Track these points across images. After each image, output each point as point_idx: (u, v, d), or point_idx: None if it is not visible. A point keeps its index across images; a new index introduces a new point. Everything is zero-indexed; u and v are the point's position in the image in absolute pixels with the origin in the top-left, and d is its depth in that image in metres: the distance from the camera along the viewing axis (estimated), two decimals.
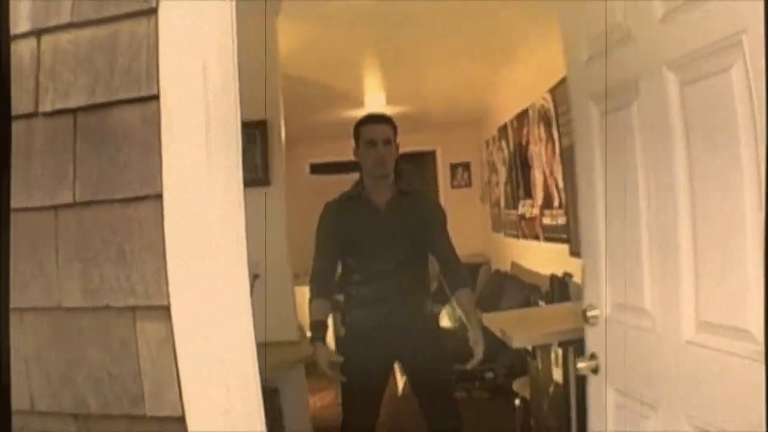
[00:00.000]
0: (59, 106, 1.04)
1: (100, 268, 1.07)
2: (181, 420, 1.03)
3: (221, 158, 1.08)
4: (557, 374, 2.75)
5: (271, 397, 3.18)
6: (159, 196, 1.07)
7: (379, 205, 2.72)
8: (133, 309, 1.07)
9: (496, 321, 2.98)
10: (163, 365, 1.05)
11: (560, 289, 4.23)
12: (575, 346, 2.62)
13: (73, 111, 1.05)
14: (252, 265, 3.34)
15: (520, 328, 2.87)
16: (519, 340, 2.67)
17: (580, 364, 1.71)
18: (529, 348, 3.16)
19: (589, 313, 1.69)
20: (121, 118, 1.03)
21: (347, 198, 2.76)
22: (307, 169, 8.59)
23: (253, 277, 3.39)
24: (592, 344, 1.72)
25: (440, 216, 2.81)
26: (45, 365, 1.06)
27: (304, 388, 3.47)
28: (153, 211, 1.08)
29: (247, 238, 3.45)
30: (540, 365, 3.04)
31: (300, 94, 5.57)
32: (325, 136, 7.30)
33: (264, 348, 3.26)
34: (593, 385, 1.73)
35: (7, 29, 1.03)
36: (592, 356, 1.69)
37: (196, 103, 1.04)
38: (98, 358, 1.05)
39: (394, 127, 2.74)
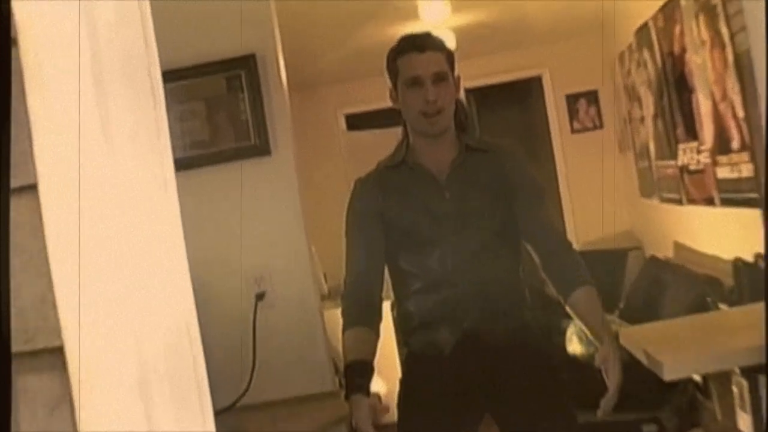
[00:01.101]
0: None
1: None
2: None
3: (124, 123, 1.07)
4: (744, 423, 2.68)
5: None
6: (33, 187, 1.07)
7: (436, 172, 2.77)
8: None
9: (639, 337, 2.92)
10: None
11: (751, 281, 4.23)
12: None
13: None
14: (251, 278, 3.42)
15: (679, 346, 2.81)
16: (673, 367, 2.60)
17: None
18: (698, 379, 3.10)
19: None
20: None
21: (388, 167, 2.85)
22: (343, 123, 8.64)
23: (256, 298, 3.47)
24: None
25: (531, 181, 2.85)
26: None
27: None
28: (27, 211, 1.09)
29: (244, 238, 3.50)
30: (717, 407, 2.98)
31: (323, 9, 5.58)
32: (367, 72, 7.31)
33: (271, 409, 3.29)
34: None
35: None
36: None
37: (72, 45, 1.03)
38: None
39: (449, 54, 2.77)
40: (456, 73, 2.77)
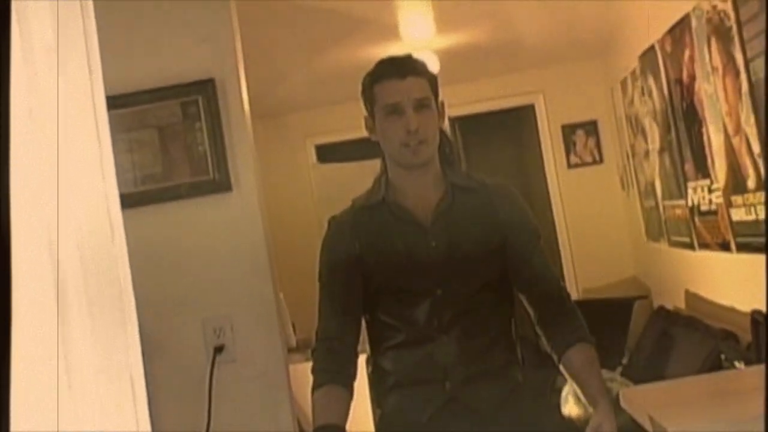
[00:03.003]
0: None
1: None
2: None
3: (65, 163, 1.06)
4: None
5: None
6: None
7: (420, 216, 2.78)
8: None
9: (642, 399, 2.90)
10: None
11: None
12: None
13: None
14: (210, 328, 3.40)
15: (687, 411, 2.80)
16: None
17: None
18: None
19: None
20: None
21: (364, 207, 2.84)
22: (313, 155, 8.66)
23: (214, 351, 3.44)
24: None
25: (525, 224, 2.86)
26: None
27: None
28: None
29: (202, 283, 3.49)
30: None
31: (292, 27, 5.59)
32: (339, 98, 7.34)
33: None
34: None
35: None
36: None
37: None
38: None
39: (432, 79, 2.78)
40: (440, 99, 2.78)
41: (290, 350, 6.45)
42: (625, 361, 6.46)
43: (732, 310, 5.22)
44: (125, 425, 1.00)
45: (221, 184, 3.38)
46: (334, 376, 2.72)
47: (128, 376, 1.04)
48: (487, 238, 2.75)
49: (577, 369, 2.73)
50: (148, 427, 1.03)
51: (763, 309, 4.36)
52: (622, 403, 2.95)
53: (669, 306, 6.64)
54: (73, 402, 0.99)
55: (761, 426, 2.63)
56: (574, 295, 8.29)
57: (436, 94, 2.75)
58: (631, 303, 7.27)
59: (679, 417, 2.72)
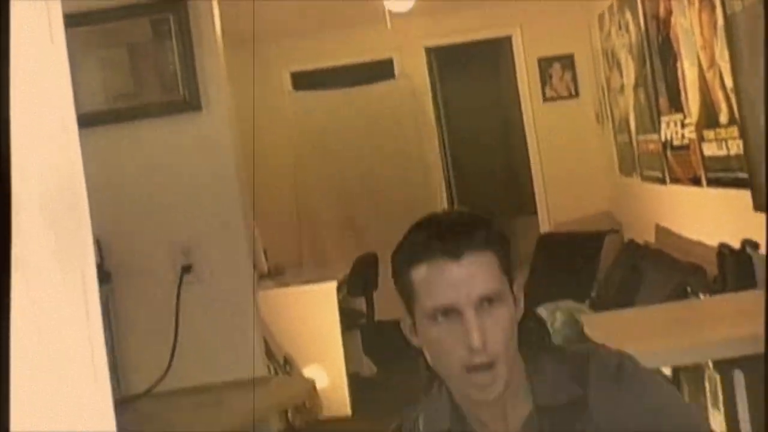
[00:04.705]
0: None
1: None
2: None
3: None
4: (716, 422, 2.73)
5: None
6: None
7: None
8: None
9: (605, 326, 2.96)
10: None
11: (737, 269, 4.24)
12: (752, 366, 2.60)
13: None
14: (179, 250, 3.40)
15: (648, 336, 2.86)
16: (639, 359, 2.64)
17: None
18: (667, 372, 3.14)
19: None
20: None
21: None
22: (288, 82, 8.60)
23: (182, 270, 3.45)
24: None
25: None
26: None
27: None
28: None
29: (170, 203, 3.49)
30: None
31: None
32: (317, 26, 7.28)
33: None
34: None
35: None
36: None
37: None
38: None
39: (501, 251, 1.86)
40: (516, 281, 1.88)
41: (262, 276, 6.49)
42: (593, 294, 6.51)
43: (700, 244, 5.25)
44: (77, 318, 1.02)
45: (191, 104, 3.37)
46: None
47: (80, 269, 1.04)
48: None
49: None
50: (99, 321, 1.03)
51: (732, 243, 4.39)
52: (586, 330, 3.01)
53: (639, 240, 6.67)
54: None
55: (718, 352, 2.68)
56: (547, 229, 8.35)
57: (509, 273, 1.85)
58: (602, 237, 7.30)
59: (638, 342, 2.77)
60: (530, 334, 1.90)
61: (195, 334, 3.34)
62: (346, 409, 6.50)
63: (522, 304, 1.88)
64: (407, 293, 1.84)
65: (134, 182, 3.37)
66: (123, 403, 3.10)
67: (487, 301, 1.77)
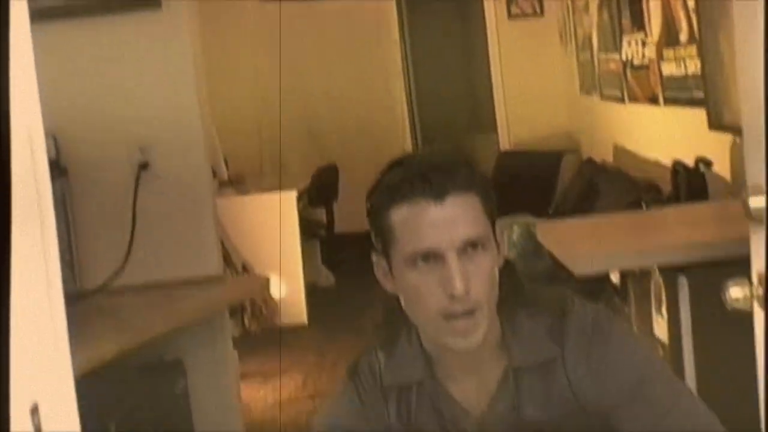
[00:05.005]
0: None
1: None
2: None
3: None
4: (660, 327, 2.78)
5: (170, 375, 3.25)
6: None
7: (472, 406, 1.86)
8: None
9: (557, 231, 3.00)
10: None
11: (690, 186, 4.29)
12: (696, 273, 2.64)
13: None
14: (136, 147, 3.40)
15: (597, 241, 2.90)
16: (586, 262, 2.67)
17: (735, 292, 1.69)
18: (615, 280, 3.19)
19: (754, 204, 1.64)
20: None
21: (393, 389, 1.87)
22: None
23: (139, 168, 3.45)
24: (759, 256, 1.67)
25: (644, 383, 1.77)
26: None
27: (229, 360, 3.54)
28: None
29: (127, 100, 3.47)
30: (633, 312, 3.07)
31: None
32: None
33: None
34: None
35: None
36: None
37: None
38: None
39: (484, 192, 1.75)
40: (496, 221, 1.78)
41: (222, 184, 6.50)
42: (551, 211, 6.56)
43: (656, 163, 5.29)
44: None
45: (150, 0, 3.33)
46: None
47: None
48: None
49: None
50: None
51: (687, 160, 4.42)
52: (539, 236, 3.04)
53: (597, 159, 6.72)
54: None
55: (663, 256, 2.72)
56: (506, 147, 8.38)
57: (492, 217, 1.76)
58: (561, 156, 7.34)
59: (586, 246, 2.82)
60: (505, 284, 1.78)
61: (152, 232, 3.34)
62: (302, 318, 6.56)
63: (505, 251, 1.80)
64: (384, 235, 1.73)
65: (91, 79, 3.35)
66: (78, 297, 3.11)
67: (471, 245, 1.68)
